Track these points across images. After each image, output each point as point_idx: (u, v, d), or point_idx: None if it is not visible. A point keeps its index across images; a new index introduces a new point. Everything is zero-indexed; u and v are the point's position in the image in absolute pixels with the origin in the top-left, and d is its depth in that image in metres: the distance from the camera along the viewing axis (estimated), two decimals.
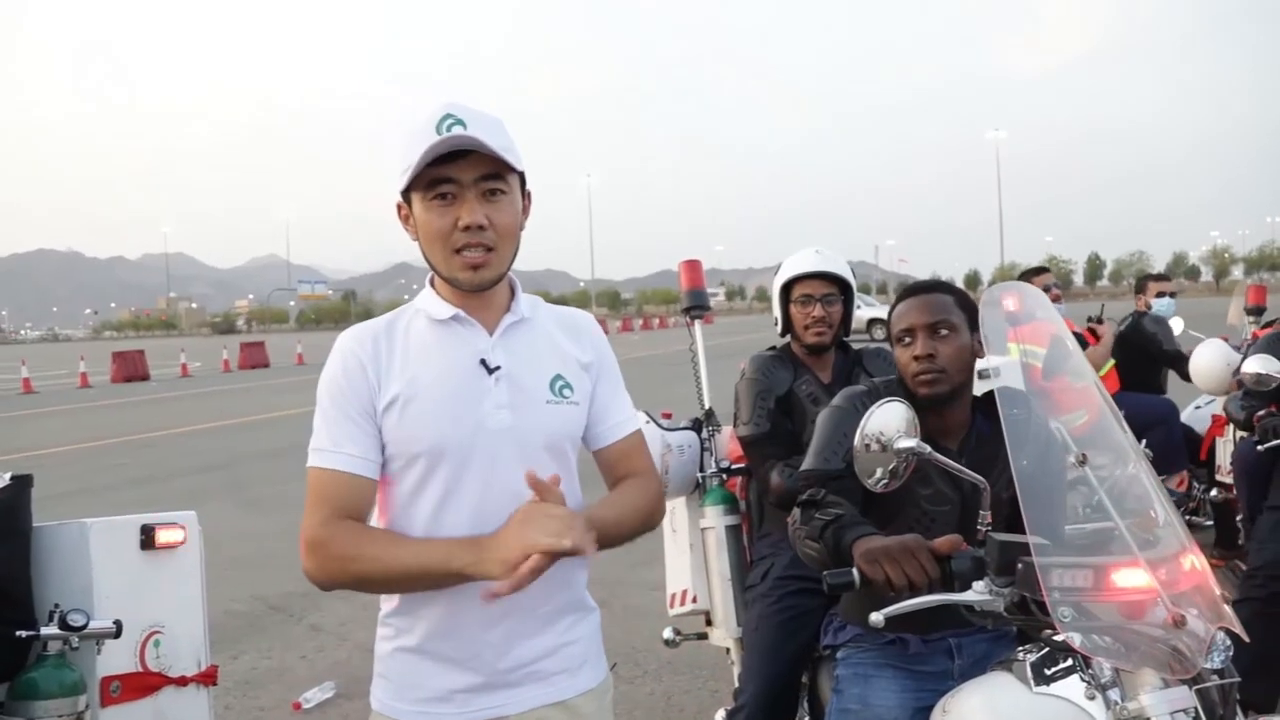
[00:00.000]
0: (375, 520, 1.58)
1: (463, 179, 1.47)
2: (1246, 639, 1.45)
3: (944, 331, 1.95)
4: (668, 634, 3.16)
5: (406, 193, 1.52)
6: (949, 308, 1.98)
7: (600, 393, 1.66)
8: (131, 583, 2.04)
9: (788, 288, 2.87)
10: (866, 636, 2.04)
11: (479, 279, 1.51)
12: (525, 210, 1.59)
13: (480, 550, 1.43)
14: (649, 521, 1.68)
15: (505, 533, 1.43)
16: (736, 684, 2.69)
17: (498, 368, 1.53)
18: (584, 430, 1.65)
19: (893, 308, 2.07)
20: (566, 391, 1.58)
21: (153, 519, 2.08)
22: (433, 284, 1.60)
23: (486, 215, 1.47)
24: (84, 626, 1.87)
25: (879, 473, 1.64)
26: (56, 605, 1.92)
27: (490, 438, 1.51)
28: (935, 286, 2.05)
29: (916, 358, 1.95)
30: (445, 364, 1.53)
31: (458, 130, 1.44)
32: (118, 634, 1.92)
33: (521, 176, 1.56)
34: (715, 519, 2.94)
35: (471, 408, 1.51)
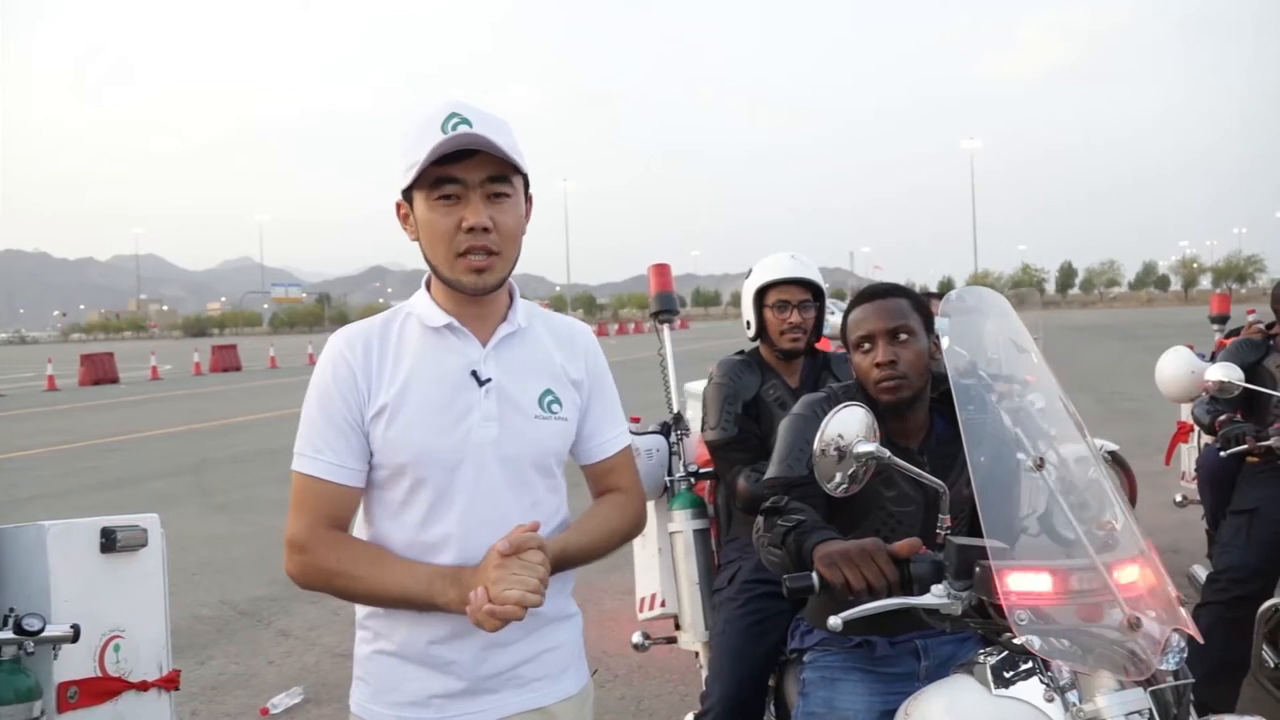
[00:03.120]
0: (360, 527, 1.58)
1: (468, 179, 1.44)
2: (1201, 640, 1.47)
3: (904, 337, 1.96)
4: (637, 638, 3.16)
5: (408, 191, 1.49)
6: (906, 312, 1.99)
7: (593, 410, 1.65)
8: (91, 586, 2.00)
9: (762, 292, 2.89)
10: (833, 639, 2.04)
11: (482, 283, 1.48)
12: (527, 213, 1.56)
13: (462, 588, 1.42)
14: (627, 537, 1.69)
15: (483, 574, 1.42)
16: (704, 687, 2.69)
17: (489, 380, 1.51)
18: (573, 445, 1.64)
19: (847, 313, 2.07)
20: (555, 407, 1.57)
21: (113, 521, 2.04)
22: (428, 287, 1.57)
23: (491, 217, 1.45)
24: (39, 631, 1.83)
25: (839, 477, 1.64)
26: (11, 609, 1.88)
27: (477, 450, 1.49)
28: (890, 291, 2.04)
29: (879, 364, 1.96)
30: (435, 374, 1.51)
31: (464, 129, 1.41)
32: (75, 638, 1.89)
33: (525, 179, 1.53)
34: (683, 523, 2.95)
35: (459, 419, 1.49)
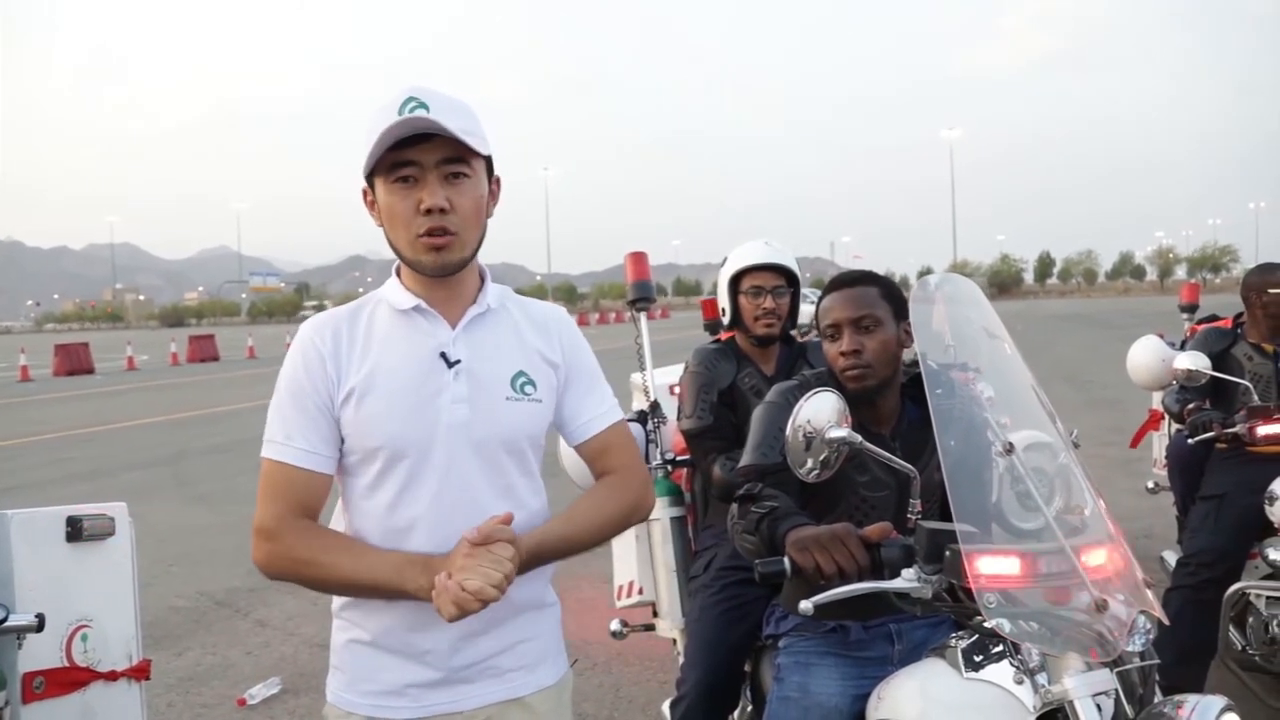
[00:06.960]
0: (337, 513, 1.58)
1: (424, 161, 1.45)
2: (1167, 622, 1.49)
3: (868, 326, 1.98)
4: (615, 626, 3.16)
5: (370, 177, 1.50)
6: (873, 301, 2.00)
7: (572, 390, 1.64)
8: (57, 575, 1.97)
9: (736, 279, 2.89)
10: (808, 625, 2.04)
11: (442, 261, 1.48)
12: (494, 196, 1.57)
13: (431, 575, 1.40)
14: (627, 519, 1.65)
15: (451, 562, 1.40)
16: (680, 673, 2.70)
17: (458, 361, 1.51)
18: (558, 427, 1.64)
19: (819, 301, 2.08)
20: (528, 389, 1.56)
21: (80, 510, 2.02)
22: (398, 273, 1.58)
23: (448, 198, 1.45)
24: (2, 620, 1.81)
25: (810, 463, 1.65)
26: None
27: (447, 432, 1.49)
28: (860, 279, 2.05)
29: (843, 353, 1.98)
30: (404, 356, 1.51)
31: (420, 113, 1.42)
32: (40, 628, 1.86)
33: (488, 161, 1.54)
34: (660, 511, 2.95)
35: (429, 401, 1.49)
